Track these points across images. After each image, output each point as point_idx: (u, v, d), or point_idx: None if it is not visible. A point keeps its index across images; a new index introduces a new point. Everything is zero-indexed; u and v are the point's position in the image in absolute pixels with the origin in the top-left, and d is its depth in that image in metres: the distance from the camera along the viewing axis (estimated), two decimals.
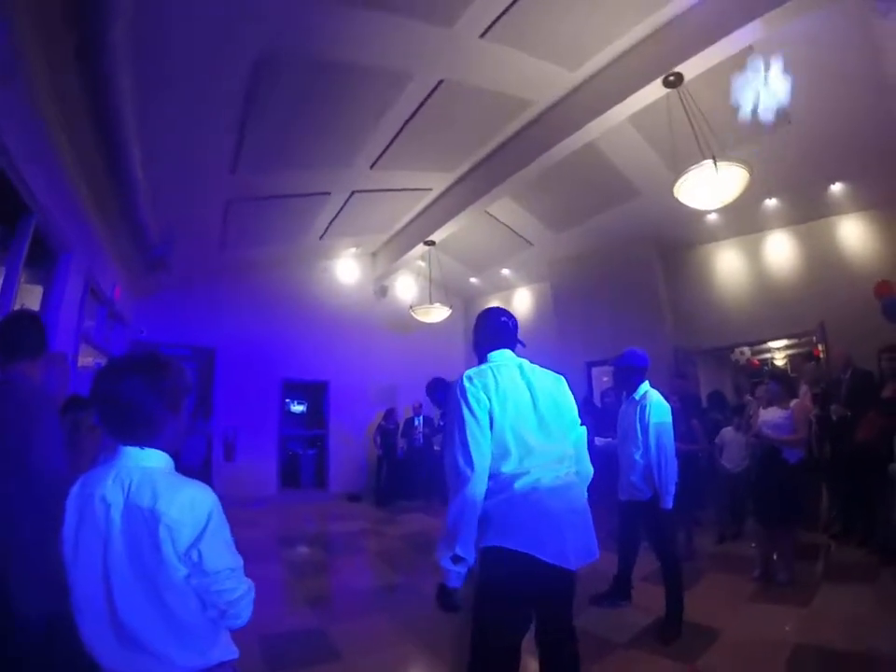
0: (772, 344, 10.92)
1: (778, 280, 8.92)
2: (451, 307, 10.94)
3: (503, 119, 6.94)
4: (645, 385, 4.40)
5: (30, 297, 5.29)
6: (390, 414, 11.48)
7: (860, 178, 7.49)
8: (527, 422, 2.38)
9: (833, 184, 7.71)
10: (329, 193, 8.41)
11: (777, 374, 5.29)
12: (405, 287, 12.99)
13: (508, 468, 2.26)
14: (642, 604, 4.56)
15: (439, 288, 11.69)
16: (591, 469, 2.65)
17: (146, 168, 5.63)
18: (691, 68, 5.30)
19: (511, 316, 2.74)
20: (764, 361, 11.34)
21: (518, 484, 2.24)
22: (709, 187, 5.30)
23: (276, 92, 5.53)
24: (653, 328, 9.59)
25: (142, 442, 1.50)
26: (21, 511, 1.88)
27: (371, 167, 7.73)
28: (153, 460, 1.51)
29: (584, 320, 10.54)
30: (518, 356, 2.63)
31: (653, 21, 5.27)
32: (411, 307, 11.06)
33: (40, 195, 4.54)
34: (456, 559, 2.17)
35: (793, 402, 5.03)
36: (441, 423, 11.40)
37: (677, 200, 5.66)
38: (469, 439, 2.25)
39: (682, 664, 3.47)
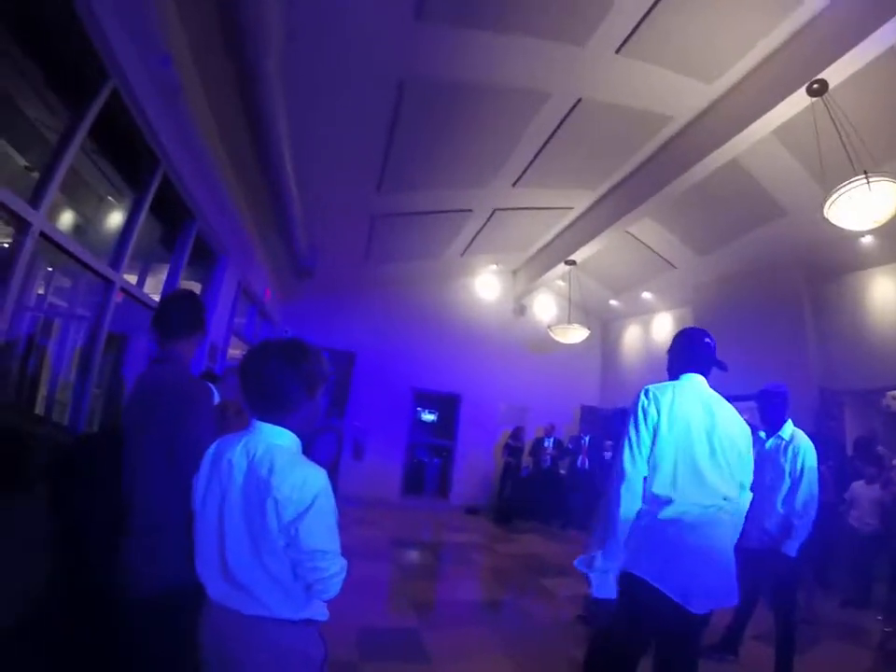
0: None
1: None
2: (589, 329, 10.76)
3: (643, 136, 6.79)
4: (790, 424, 4.05)
5: None
6: (518, 433, 11.44)
7: None
8: (694, 449, 2.31)
9: None
10: (472, 210, 8.58)
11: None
12: (544, 307, 12.96)
13: (658, 489, 2.24)
14: (749, 663, 4.21)
15: (578, 309, 11.56)
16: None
17: (298, 185, 6.06)
18: (835, 74, 4.85)
19: (712, 338, 2.67)
20: None
21: (663, 512, 2.21)
22: (862, 205, 4.80)
23: (419, 114, 5.77)
24: (797, 362, 8.77)
25: (276, 419, 1.66)
26: (170, 489, 1.97)
27: (514, 185, 7.81)
28: (281, 438, 1.65)
29: (725, 350, 9.88)
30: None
31: (789, 26, 4.93)
32: (549, 326, 11.03)
33: (202, 203, 5.13)
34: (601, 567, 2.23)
35: None
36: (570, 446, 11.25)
37: (827, 220, 5.20)
38: (629, 448, 2.30)
39: None
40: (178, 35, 3.82)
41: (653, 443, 2.28)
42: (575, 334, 10.70)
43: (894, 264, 8.36)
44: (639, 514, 2.23)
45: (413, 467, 11.93)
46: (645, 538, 2.20)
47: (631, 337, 13.25)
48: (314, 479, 1.58)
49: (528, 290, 12.11)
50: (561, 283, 11.49)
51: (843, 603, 5.86)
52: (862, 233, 7.43)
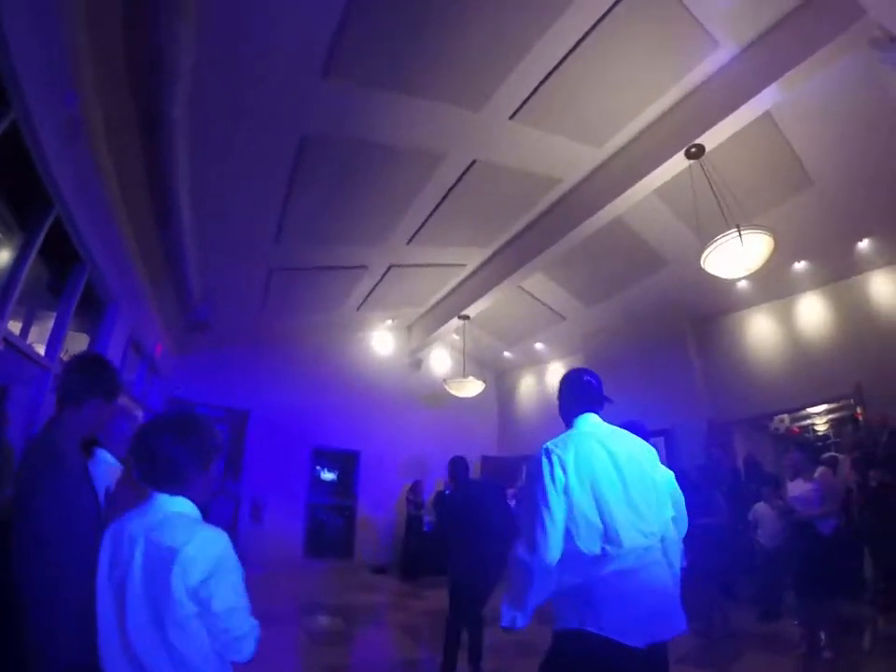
0: (811, 410, 10.46)
1: (813, 343, 8.75)
2: (484, 381, 10.97)
3: (534, 197, 7.19)
4: None
5: (77, 344, 5.56)
6: (417, 487, 11.40)
7: (887, 232, 7.40)
8: (611, 498, 2.23)
9: (861, 240, 7.65)
10: (367, 267, 8.69)
11: (799, 442, 5.11)
12: (439, 361, 13.15)
13: (587, 546, 2.16)
14: None
15: (472, 362, 11.81)
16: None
17: (194, 233, 5.96)
18: (711, 138, 5.48)
19: (593, 375, 2.63)
20: (805, 428, 10.65)
21: (601, 569, 2.16)
22: (735, 256, 5.33)
23: (318, 170, 5.86)
24: (687, 400, 9.51)
25: (172, 491, 1.66)
26: (48, 566, 1.79)
27: (408, 242, 8.01)
28: (179, 506, 1.65)
29: (616, 394, 10.35)
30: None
31: (673, 95, 5.49)
32: (444, 380, 11.14)
33: (93, 247, 4.85)
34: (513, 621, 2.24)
35: (818, 472, 4.90)
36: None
37: (705, 269, 5.71)
38: (540, 519, 2.19)
39: None
40: (84, 70, 3.71)
41: (569, 504, 2.19)
42: (470, 387, 10.87)
43: (767, 303, 9.40)
44: (578, 570, 2.18)
45: (316, 527, 11.53)
46: (591, 595, 2.14)
47: (526, 386, 13.70)
48: (216, 540, 1.60)
49: (424, 345, 12.27)
50: (455, 337, 11.74)
51: (759, 616, 6.19)
52: (738, 279, 8.13)
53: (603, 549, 2.15)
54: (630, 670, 2.08)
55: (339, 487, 12.36)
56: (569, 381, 2.63)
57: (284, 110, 4.89)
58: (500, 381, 14.31)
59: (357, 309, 10.65)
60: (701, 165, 5.78)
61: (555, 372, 12.87)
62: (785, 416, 10.05)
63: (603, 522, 2.17)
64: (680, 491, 2.80)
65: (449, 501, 5.76)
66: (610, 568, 2.14)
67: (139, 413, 8.40)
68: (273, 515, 10.43)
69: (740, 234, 5.12)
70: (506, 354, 13.18)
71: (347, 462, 12.15)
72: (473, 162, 6.21)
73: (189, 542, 1.52)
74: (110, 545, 1.62)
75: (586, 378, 2.59)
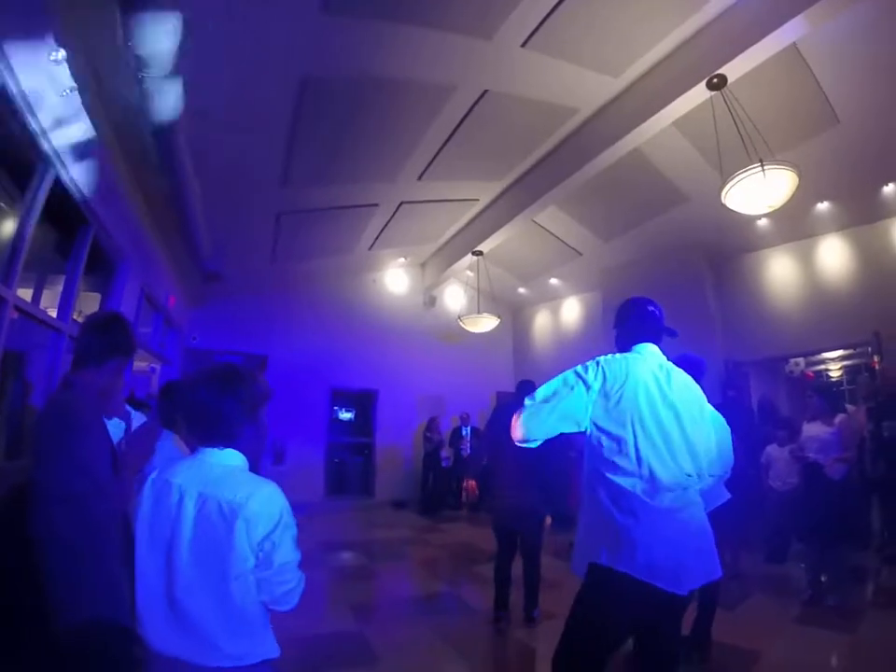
0: (827, 355, 10.41)
1: (832, 287, 8.55)
2: (499, 317, 10.91)
3: (548, 128, 6.93)
4: None
5: (89, 304, 5.54)
6: (433, 423, 11.50)
7: None
8: (653, 432, 2.16)
9: (887, 185, 7.35)
10: (378, 205, 8.52)
11: (820, 388, 5.04)
12: (453, 298, 13.08)
13: (633, 474, 2.12)
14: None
15: (487, 298, 11.70)
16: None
17: (199, 183, 5.83)
18: (734, 69, 5.18)
19: (657, 306, 2.58)
20: (819, 373, 10.72)
21: (640, 501, 2.09)
22: (758, 191, 5.13)
23: (323, 109, 5.65)
24: (703, 338, 9.29)
25: (223, 445, 1.66)
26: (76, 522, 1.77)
27: (419, 178, 7.81)
28: (232, 459, 1.67)
29: None
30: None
31: (693, 23, 5.18)
32: (459, 317, 11.10)
33: (97, 207, 4.75)
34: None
35: (839, 418, 4.85)
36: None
37: (725, 206, 5.52)
38: (550, 391, 2.22)
39: None
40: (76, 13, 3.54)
41: (615, 409, 2.16)
42: (485, 323, 10.82)
43: (787, 244, 9.11)
44: (617, 499, 2.12)
45: (336, 467, 11.75)
46: (627, 531, 2.07)
47: (541, 322, 13.64)
48: (277, 494, 1.63)
49: (437, 282, 12.19)
50: (470, 273, 11.60)
51: (766, 559, 6.25)
52: (759, 217, 7.97)
53: (642, 476, 2.11)
54: (655, 610, 2.09)
55: (357, 426, 12.55)
56: (632, 308, 2.57)
57: (283, 49, 4.66)
58: (515, 317, 14.25)
59: (370, 248, 10.52)
60: (723, 97, 5.49)
61: (571, 308, 12.82)
62: (800, 360, 10.05)
63: (637, 455, 2.12)
64: (728, 428, 2.94)
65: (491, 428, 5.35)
66: (651, 505, 2.08)
67: (157, 366, 8.51)
68: (295, 457, 10.65)
69: (763, 169, 4.90)
70: (521, 290, 13.05)
71: (365, 401, 12.27)
72: (484, 93, 5.95)
73: (252, 497, 1.55)
74: (152, 496, 1.61)
75: (650, 308, 2.54)
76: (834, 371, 10.65)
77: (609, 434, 2.15)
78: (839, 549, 4.85)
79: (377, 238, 10.02)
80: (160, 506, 1.58)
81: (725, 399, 7.33)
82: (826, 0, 4.29)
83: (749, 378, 9.57)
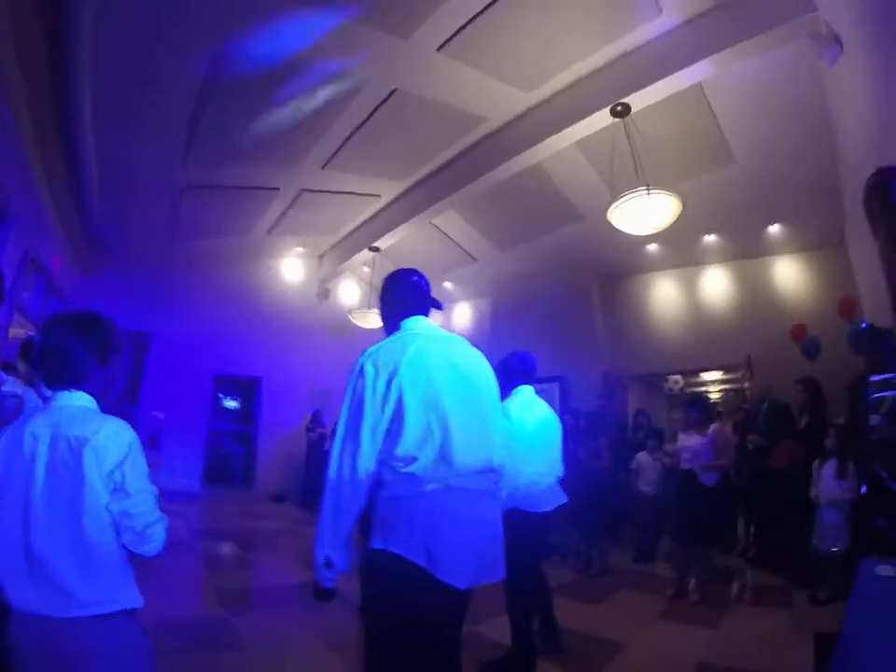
0: (707, 377, 11.27)
1: (712, 313, 9.31)
2: None
3: (455, 134, 7.10)
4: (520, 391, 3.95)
5: None
6: (316, 417, 11.35)
7: (797, 220, 7.88)
8: (448, 403, 1.99)
9: (772, 225, 8.11)
10: (279, 189, 8.43)
11: (696, 400, 5.43)
12: (348, 292, 12.99)
13: (421, 456, 1.90)
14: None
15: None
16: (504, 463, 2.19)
17: (99, 148, 5.58)
18: (639, 100, 5.56)
19: (422, 276, 2.36)
20: (699, 393, 11.47)
21: (430, 484, 1.90)
22: (642, 213, 5.51)
23: (232, 86, 5.58)
24: (586, 351, 9.92)
25: (72, 387, 1.66)
26: None
27: (323, 167, 7.79)
28: (81, 400, 1.67)
29: (519, 339, 10.65)
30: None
31: (608, 52, 5.51)
32: (349, 311, 11.05)
33: None
34: (328, 563, 1.98)
35: (712, 428, 5.20)
36: None
37: (617, 228, 5.89)
38: (352, 431, 1.97)
39: None
40: None
41: (393, 412, 1.92)
42: (375, 319, 10.68)
43: (674, 269, 9.84)
44: (400, 484, 1.93)
45: (216, 455, 11.41)
46: (411, 514, 1.92)
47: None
48: (125, 429, 1.66)
49: (333, 275, 12.09)
50: (366, 269, 11.59)
51: (635, 558, 6.64)
52: (649, 241, 8.54)
53: (430, 463, 1.91)
54: (435, 605, 1.93)
55: (241, 415, 12.24)
56: (396, 281, 2.35)
57: (195, 21, 4.57)
58: None
59: (268, 233, 10.34)
60: (625, 124, 5.86)
61: (462, 313, 13.09)
62: (679, 378, 10.65)
63: (439, 430, 1.94)
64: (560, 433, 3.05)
65: None
66: (438, 488, 1.91)
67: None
68: (172, 442, 10.24)
69: (648, 192, 5.27)
70: None
71: (249, 389, 11.99)
72: (394, 91, 6.06)
73: (99, 431, 1.56)
74: (5, 449, 1.58)
75: (415, 278, 2.34)
76: (713, 394, 11.45)
77: (394, 415, 1.93)
78: (707, 550, 5.13)
79: (276, 224, 9.88)
80: (14, 457, 1.55)
81: (598, 406, 7.75)
82: (736, 47, 4.70)
83: (627, 391, 10.17)
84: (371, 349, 2.06)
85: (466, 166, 7.52)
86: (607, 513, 6.49)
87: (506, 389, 3.52)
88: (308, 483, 10.58)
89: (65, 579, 1.47)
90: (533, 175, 7.37)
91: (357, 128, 6.77)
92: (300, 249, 11.80)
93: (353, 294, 12.88)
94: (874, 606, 1.80)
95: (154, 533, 1.62)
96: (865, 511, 4.48)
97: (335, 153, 7.37)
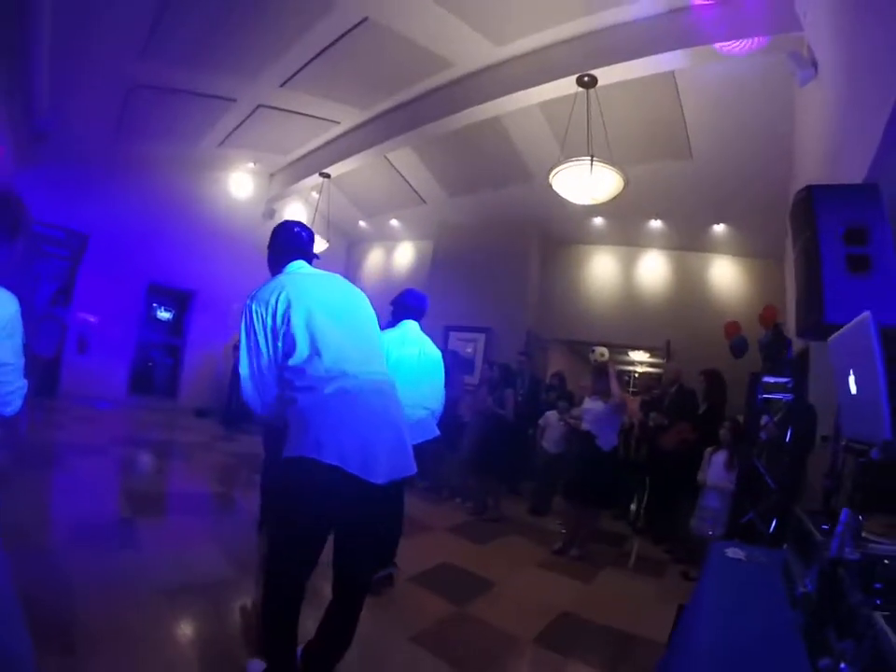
0: (634, 356, 11.79)
1: (644, 295, 9.73)
2: (328, 241, 10.82)
3: (421, 73, 7.05)
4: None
5: None
6: None
7: (743, 225, 8.21)
8: (329, 321, 2.30)
9: (718, 224, 8.45)
10: (235, 100, 8.20)
11: (601, 369, 5.65)
12: (294, 215, 12.73)
13: (312, 368, 2.19)
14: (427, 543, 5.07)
15: (327, 225, 11.60)
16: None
17: (54, 35, 5.35)
18: (607, 75, 5.63)
19: (305, 228, 2.74)
20: (623, 372, 11.87)
21: (326, 389, 2.17)
22: (584, 183, 5.61)
23: None
24: (516, 308, 10.23)
25: None
26: None
27: (282, 85, 7.61)
28: None
29: (455, 286, 10.84)
30: None
31: (586, 23, 5.54)
32: None
33: None
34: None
35: (619, 395, 5.38)
36: None
37: (580, 203, 6.09)
38: (247, 356, 2.32)
39: (455, 605, 3.75)
40: None
41: (282, 335, 2.25)
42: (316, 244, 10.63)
43: (615, 246, 10.20)
44: (302, 394, 2.20)
45: (144, 365, 11.31)
46: (314, 419, 2.14)
47: (374, 260, 13.90)
48: (8, 302, 1.75)
49: (282, 195, 11.86)
50: (314, 194, 11.43)
51: (530, 509, 6.98)
52: (594, 213, 8.88)
53: (322, 369, 2.20)
54: (350, 500, 2.16)
55: (172, 327, 12.08)
56: (281, 231, 2.72)
57: None
58: (351, 250, 14.35)
59: (219, 145, 10.05)
60: (588, 96, 5.90)
61: (404, 252, 13.23)
62: (605, 351, 10.87)
63: (322, 340, 2.24)
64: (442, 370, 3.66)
65: None
66: (336, 389, 2.18)
67: None
68: (101, 348, 10.06)
69: (591, 163, 5.38)
70: (361, 223, 13.15)
71: (183, 301, 11.81)
72: (365, 19, 5.94)
73: None
74: None
75: (297, 229, 2.71)
76: (636, 372, 12.08)
77: (283, 338, 2.26)
78: (595, 511, 5.40)
79: (229, 136, 9.61)
80: None
81: (516, 361, 8.04)
82: (715, 45, 4.78)
83: (548, 352, 10.61)
84: (256, 291, 2.38)
85: (427, 107, 7.47)
86: (506, 463, 6.75)
87: (394, 322, 4.08)
88: (230, 401, 10.61)
89: None
90: (492, 127, 7.44)
91: (323, 50, 6.61)
92: (251, 165, 11.48)
93: (299, 218, 12.63)
94: (719, 582, 1.98)
95: (11, 400, 1.77)
96: (742, 502, 4.84)
97: (296, 72, 7.21)
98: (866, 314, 1.48)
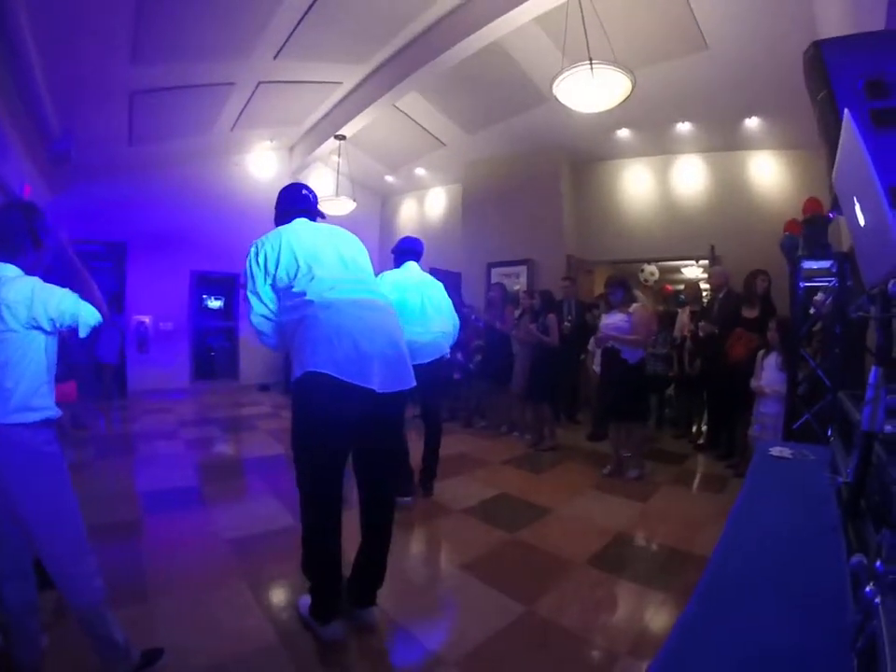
0: (689, 274, 11.49)
1: (682, 203, 9.30)
2: (355, 200, 10.87)
3: (408, 15, 6.90)
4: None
5: None
6: None
7: (776, 115, 7.65)
8: (323, 253, 2.57)
9: (749, 117, 7.93)
10: (234, 83, 8.25)
11: (619, 281, 5.49)
12: (321, 182, 12.87)
13: (309, 292, 2.42)
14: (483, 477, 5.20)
15: (356, 185, 11.68)
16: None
17: (43, 57, 5.54)
18: None
19: (310, 190, 2.95)
20: (679, 291, 11.02)
21: (321, 308, 2.37)
22: (588, 90, 5.30)
23: None
24: (553, 235, 10.02)
25: (6, 260, 2.03)
26: None
27: (275, 57, 7.60)
28: (7, 270, 2.01)
29: (490, 223, 10.86)
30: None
31: None
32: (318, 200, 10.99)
33: None
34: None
35: (633, 307, 5.24)
36: None
37: (585, 112, 5.85)
38: (252, 291, 2.59)
39: (508, 533, 3.84)
40: None
41: (275, 267, 2.54)
42: (340, 206, 10.71)
43: (646, 157, 9.71)
44: (298, 318, 2.43)
45: (202, 351, 11.89)
46: (308, 335, 2.34)
47: (407, 211, 13.91)
48: (26, 281, 2.00)
49: (304, 165, 11.98)
50: (336, 158, 11.51)
51: (588, 436, 6.97)
52: (618, 126, 8.59)
53: (315, 290, 2.43)
54: (353, 407, 2.33)
55: (225, 312, 12.56)
56: (288, 191, 2.94)
57: None
58: (384, 205, 14.44)
59: (231, 129, 10.19)
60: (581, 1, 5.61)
61: (436, 198, 13.15)
62: (655, 270, 10.71)
63: (311, 268, 2.49)
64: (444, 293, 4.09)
65: None
66: (326, 303, 2.39)
67: None
68: (159, 344, 10.74)
69: (591, 67, 5.04)
70: (388, 178, 13.13)
71: (230, 286, 12.19)
72: None
73: (11, 288, 1.92)
74: None
75: (304, 191, 2.93)
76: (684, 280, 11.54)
77: (277, 269, 2.56)
78: (634, 426, 5.32)
79: (238, 119, 9.71)
80: None
81: (562, 288, 7.95)
82: None
83: (593, 276, 10.33)
84: (260, 238, 2.64)
85: (423, 47, 7.34)
86: (558, 391, 6.77)
87: (397, 265, 4.65)
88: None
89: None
90: (494, 54, 7.19)
91: (307, 11, 6.53)
92: (269, 143, 11.64)
93: (328, 185, 12.82)
94: (762, 482, 1.94)
95: (82, 318, 2.04)
96: (796, 405, 4.63)
97: (284, 43, 7.18)
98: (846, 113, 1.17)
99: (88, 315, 2.05)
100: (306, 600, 2.58)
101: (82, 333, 2.06)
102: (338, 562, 2.48)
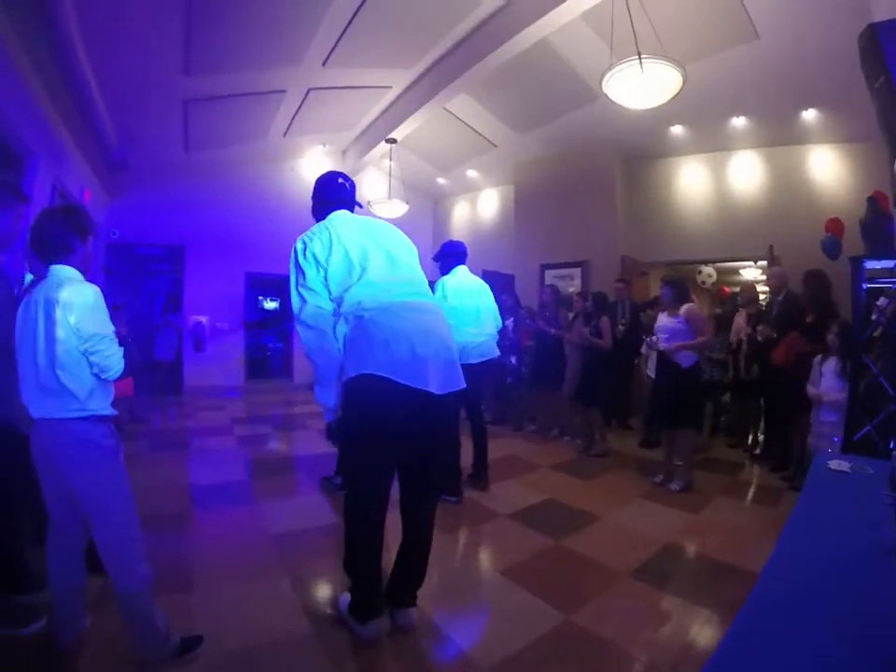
0: (747, 276, 11.16)
1: (739, 201, 9.03)
2: (407, 202, 10.96)
3: (454, 17, 6.92)
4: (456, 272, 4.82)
5: None
6: None
7: (834, 107, 7.37)
8: (372, 251, 2.49)
9: (806, 110, 7.65)
10: (285, 91, 8.45)
11: (671, 279, 5.27)
12: (372, 185, 13.05)
13: (359, 293, 2.37)
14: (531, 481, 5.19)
15: (409, 188, 11.80)
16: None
17: (97, 71, 5.80)
18: None
19: (347, 178, 2.88)
20: (736, 293, 10.80)
21: (373, 310, 2.34)
22: (638, 85, 5.18)
23: None
24: (607, 235, 9.88)
25: (58, 262, 2.17)
26: None
27: (324, 64, 7.75)
28: (63, 271, 2.16)
29: (543, 224, 10.79)
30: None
31: None
32: (368, 202, 11.13)
33: None
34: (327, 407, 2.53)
35: (684, 308, 5.01)
36: None
37: (639, 109, 5.74)
38: (296, 290, 2.48)
39: (552, 540, 3.77)
40: None
41: (325, 265, 2.42)
42: (393, 209, 10.88)
43: (700, 154, 9.47)
44: (351, 318, 2.37)
45: (258, 352, 12.22)
46: (362, 336, 2.31)
47: (460, 213, 13.96)
48: (89, 289, 2.12)
49: (357, 169, 12.12)
50: (388, 162, 11.66)
51: (640, 443, 6.76)
52: (671, 122, 8.39)
53: (367, 292, 2.39)
54: (407, 410, 2.30)
55: (278, 313, 12.87)
56: (325, 182, 2.87)
57: None
58: (437, 207, 14.53)
59: (284, 135, 10.45)
60: None
61: (488, 199, 13.15)
62: (713, 272, 10.36)
63: (362, 267, 2.43)
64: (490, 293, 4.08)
65: None
66: (380, 306, 2.36)
67: None
68: (215, 343, 11.10)
69: (640, 62, 4.91)
70: (440, 180, 13.23)
71: (284, 288, 12.35)
72: None
73: (66, 289, 2.06)
74: (22, 312, 2.14)
75: (341, 181, 2.86)
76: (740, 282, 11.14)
77: (327, 266, 2.45)
78: (685, 433, 5.04)
79: (290, 125, 9.96)
80: (26, 316, 2.10)
81: (616, 290, 7.79)
82: None
83: (648, 277, 10.02)
84: (304, 235, 2.56)
85: (471, 48, 7.34)
86: (609, 395, 6.55)
87: (446, 269, 4.78)
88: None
89: (56, 391, 2.06)
90: (541, 52, 7.13)
91: (353, 17, 6.63)
92: (321, 147, 11.87)
93: (381, 188, 12.97)
94: (819, 497, 1.87)
95: (110, 364, 2.13)
96: (857, 415, 4.22)
97: (333, 49, 7.31)
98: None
99: (112, 362, 2.14)
100: (346, 598, 2.62)
101: (94, 370, 2.12)
102: (379, 562, 2.51)
